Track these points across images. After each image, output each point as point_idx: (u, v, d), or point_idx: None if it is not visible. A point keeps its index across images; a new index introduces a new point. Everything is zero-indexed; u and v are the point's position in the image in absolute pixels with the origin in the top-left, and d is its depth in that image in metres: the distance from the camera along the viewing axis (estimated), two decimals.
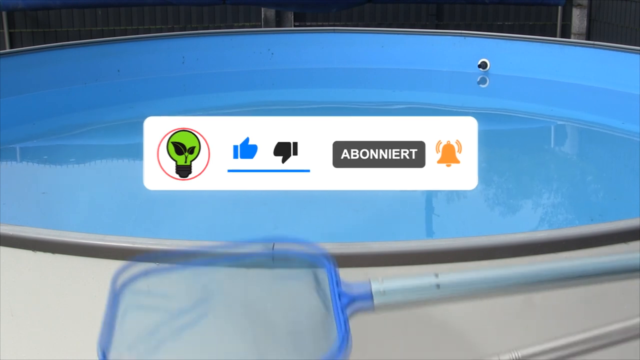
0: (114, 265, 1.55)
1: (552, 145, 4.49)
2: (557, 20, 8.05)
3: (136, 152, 4.37)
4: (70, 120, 4.73)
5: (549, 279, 1.21)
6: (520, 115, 4.81)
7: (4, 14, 7.39)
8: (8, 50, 5.89)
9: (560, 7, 7.92)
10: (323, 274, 1.17)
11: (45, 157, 4.31)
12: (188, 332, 1.10)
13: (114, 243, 1.55)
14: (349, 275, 1.53)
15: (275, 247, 1.50)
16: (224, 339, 1.12)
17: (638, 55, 4.57)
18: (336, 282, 1.15)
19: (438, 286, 1.18)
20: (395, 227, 3.10)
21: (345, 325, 1.09)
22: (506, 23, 8.13)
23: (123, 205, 3.33)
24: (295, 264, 1.21)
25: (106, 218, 3.14)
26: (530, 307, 1.58)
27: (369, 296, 1.16)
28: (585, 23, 7.91)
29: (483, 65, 5.06)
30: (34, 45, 6.05)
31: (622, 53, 4.72)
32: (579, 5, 7.90)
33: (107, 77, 4.90)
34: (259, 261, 1.32)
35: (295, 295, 1.18)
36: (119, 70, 4.89)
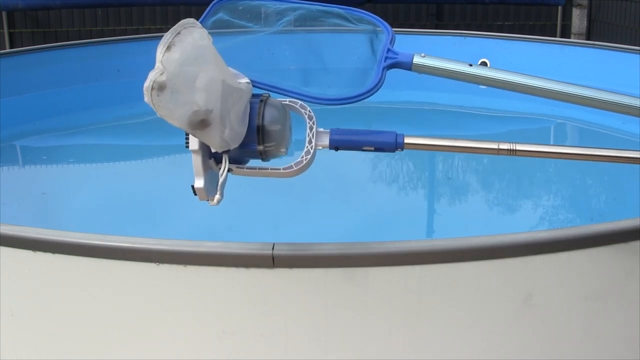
0: (114, 265, 1.55)
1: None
2: (557, 20, 8.05)
3: (136, 152, 4.38)
4: (70, 120, 4.73)
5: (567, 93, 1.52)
6: (520, 115, 4.81)
7: (4, 14, 7.39)
8: (8, 50, 5.89)
9: (560, 7, 7.92)
10: (382, 35, 1.55)
11: (45, 157, 4.31)
12: None
13: (114, 243, 1.55)
14: (349, 275, 1.53)
15: (275, 247, 1.51)
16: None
17: (638, 55, 4.56)
18: (388, 46, 1.52)
19: (469, 74, 1.52)
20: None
21: (381, 75, 1.47)
22: (506, 23, 8.13)
23: (123, 206, 3.33)
24: (365, 20, 1.58)
25: (106, 218, 3.14)
26: (529, 307, 1.59)
27: (409, 66, 1.52)
28: (585, 23, 7.91)
29: (483, 65, 5.05)
30: (34, 45, 6.05)
31: (622, 53, 4.72)
32: (579, 5, 7.90)
33: (107, 77, 4.90)
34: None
35: (355, 37, 1.56)
36: (119, 70, 4.89)
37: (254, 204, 3.13)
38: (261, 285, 1.52)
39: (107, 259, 1.55)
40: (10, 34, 7.53)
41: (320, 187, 3.33)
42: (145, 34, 6.69)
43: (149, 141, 4.29)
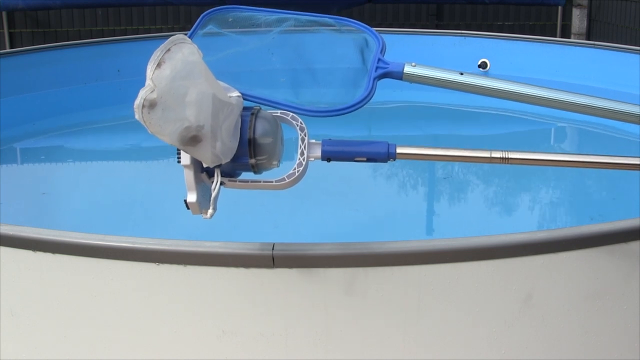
0: (114, 265, 1.55)
1: (552, 146, 4.48)
2: (557, 20, 8.05)
3: (136, 152, 4.38)
4: (70, 120, 4.73)
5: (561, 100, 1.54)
6: (520, 115, 4.81)
7: (4, 14, 7.39)
8: (8, 50, 5.89)
9: (560, 7, 7.92)
10: (372, 45, 1.54)
11: (45, 157, 4.31)
12: None
13: (114, 243, 1.55)
14: (349, 275, 1.53)
15: (275, 247, 1.51)
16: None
17: (638, 55, 4.56)
18: (379, 56, 1.51)
19: (460, 83, 1.51)
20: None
21: (372, 86, 1.46)
22: (506, 23, 8.13)
23: (123, 205, 3.33)
24: (355, 29, 1.56)
25: (106, 218, 3.14)
26: (530, 307, 1.59)
27: (400, 76, 1.51)
28: (585, 23, 7.91)
29: (483, 65, 5.05)
30: (34, 45, 6.05)
31: (622, 53, 4.72)
32: (579, 5, 7.90)
33: (107, 77, 4.90)
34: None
35: (345, 47, 1.56)
36: (119, 70, 4.89)
37: (254, 204, 3.13)
38: (261, 285, 1.52)
39: (107, 259, 1.55)
40: (10, 34, 7.53)
41: (320, 187, 3.33)
42: (145, 34, 6.69)
43: (149, 141, 4.29)
